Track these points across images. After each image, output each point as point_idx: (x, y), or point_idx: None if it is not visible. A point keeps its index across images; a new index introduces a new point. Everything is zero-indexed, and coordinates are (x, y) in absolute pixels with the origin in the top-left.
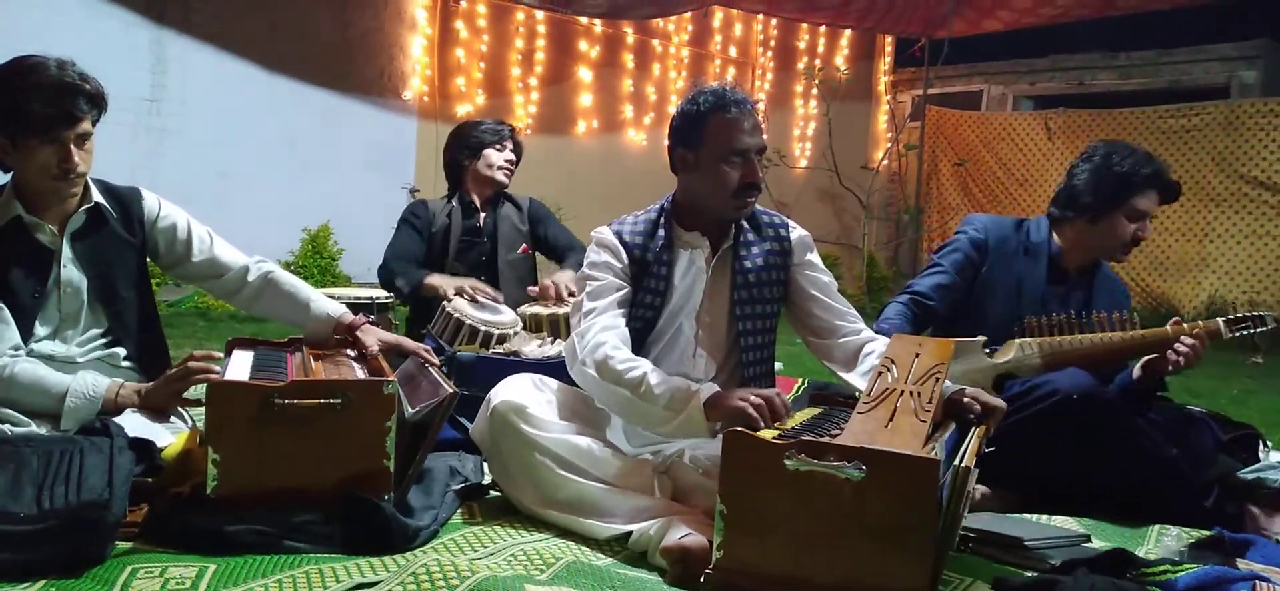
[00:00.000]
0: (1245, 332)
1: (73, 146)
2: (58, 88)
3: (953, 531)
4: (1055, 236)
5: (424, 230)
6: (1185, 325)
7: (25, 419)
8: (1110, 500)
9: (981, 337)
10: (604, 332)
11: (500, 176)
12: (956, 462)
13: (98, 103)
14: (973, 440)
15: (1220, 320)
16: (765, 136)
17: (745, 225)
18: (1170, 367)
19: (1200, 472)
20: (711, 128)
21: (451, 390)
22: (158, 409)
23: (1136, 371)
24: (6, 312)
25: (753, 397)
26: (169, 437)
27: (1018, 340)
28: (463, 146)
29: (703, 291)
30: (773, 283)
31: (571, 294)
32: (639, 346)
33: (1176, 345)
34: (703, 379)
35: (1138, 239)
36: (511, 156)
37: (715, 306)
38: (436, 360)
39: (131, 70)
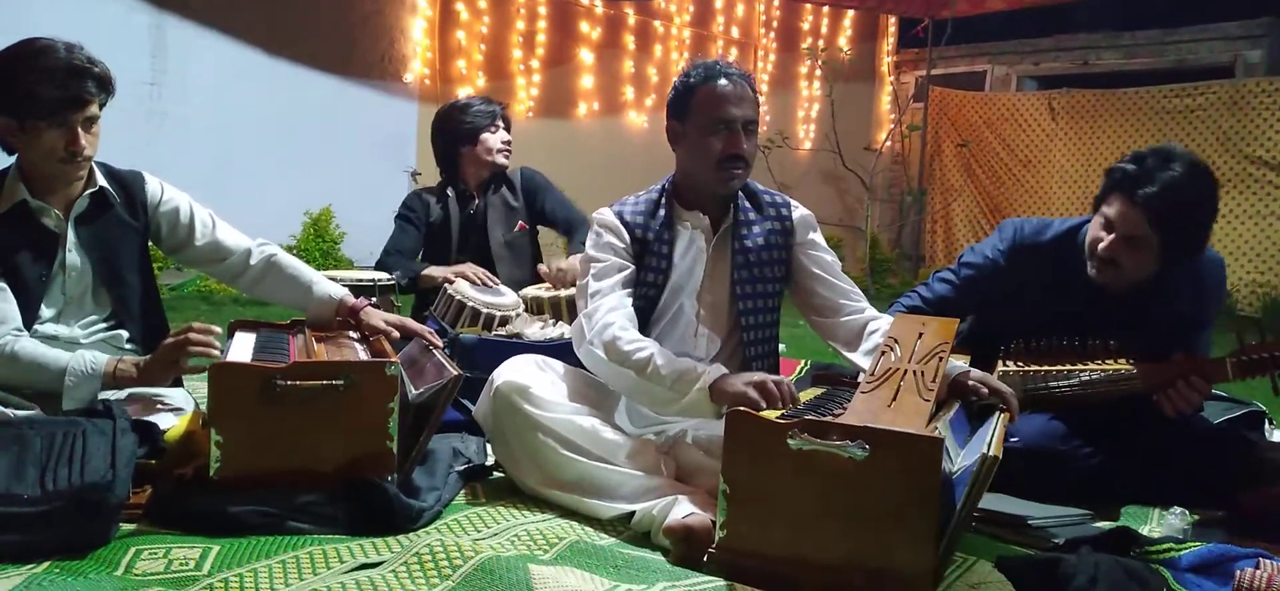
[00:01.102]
0: (1265, 376)
1: (80, 130)
2: (67, 71)
3: (969, 518)
4: None
5: (421, 224)
6: (1182, 363)
7: (28, 402)
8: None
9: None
10: (611, 313)
11: (500, 160)
12: (985, 450)
13: (106, 86)
14: (998, 428)
15: (1228, 360)
16: (765, 113)
17: (746, 204)
18: (1169, 411)
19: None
20: (698, 98)
21: (456, 372)
22: (157, 379)
23: None
24: (9, 293)
25: (755, 378)
26: (172, 419)
27: (1000, 366)
28: (457, 134)
29: (703, 270)
30: (774, 262)
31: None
32: (642, 326)
33: (1169, 392)
34: (705, 358)
35: (1102, 255)
36: (507, 135)
37: (716, 285)
38: (440, 342)
39: (132, 54)
